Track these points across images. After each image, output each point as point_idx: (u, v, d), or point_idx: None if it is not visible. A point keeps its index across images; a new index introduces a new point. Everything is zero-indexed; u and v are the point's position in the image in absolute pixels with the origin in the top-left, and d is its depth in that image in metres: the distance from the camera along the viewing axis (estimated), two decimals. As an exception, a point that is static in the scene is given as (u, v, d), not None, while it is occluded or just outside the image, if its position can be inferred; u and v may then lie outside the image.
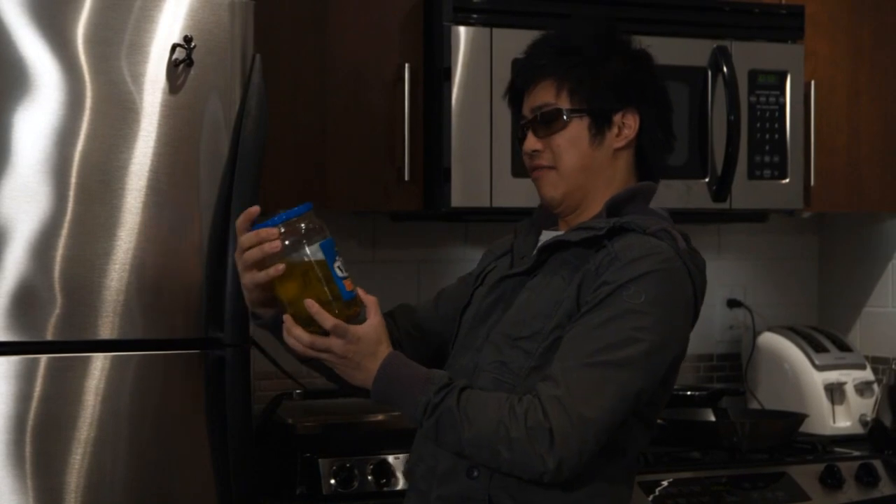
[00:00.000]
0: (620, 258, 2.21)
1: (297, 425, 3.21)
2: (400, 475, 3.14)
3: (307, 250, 2.19)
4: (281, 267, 2.18)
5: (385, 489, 3.13)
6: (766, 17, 3.67)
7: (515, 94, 2.40)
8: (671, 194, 3.44)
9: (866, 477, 3.55)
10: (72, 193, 2.60)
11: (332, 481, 3.10)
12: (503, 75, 2.41)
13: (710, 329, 4.14)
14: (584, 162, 2.32)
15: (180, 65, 2.68)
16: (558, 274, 2.28)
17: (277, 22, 3.19)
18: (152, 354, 2.68)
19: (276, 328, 2.30)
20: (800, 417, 3.69)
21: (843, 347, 3.98)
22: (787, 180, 3.68)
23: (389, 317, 2.43)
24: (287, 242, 2.19)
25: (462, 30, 3.31)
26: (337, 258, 2.20)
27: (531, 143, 2.35)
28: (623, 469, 2.28)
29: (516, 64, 2.49)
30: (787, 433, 3.64)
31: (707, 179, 3.58)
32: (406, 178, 3.31)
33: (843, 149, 3.84)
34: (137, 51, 2.65)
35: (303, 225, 2.20)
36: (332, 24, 3.28)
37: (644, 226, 2.26)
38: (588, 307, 2.20)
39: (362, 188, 3.32)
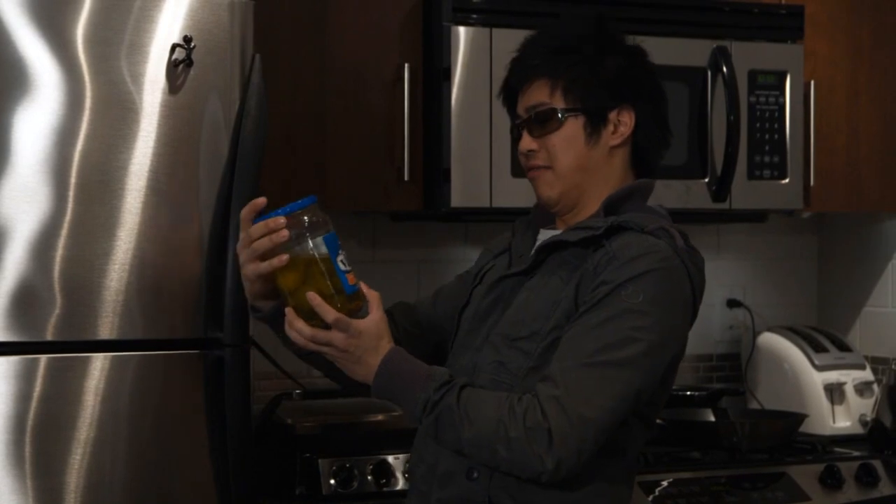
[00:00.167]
0: (618, 257, 2.21)
1: (296, 425, 3.21)
2: (400, 475, 3.13)
3: (310, 243, 2.19)
4: (285, 257, 2.18)
5: (385, 489, 3.12)
6: (765, 17, 3.66)
7: (509, 94, 2.39)
8: (671, 194, 3.44)
9: (866, 477, 3.54)
10: (71, 193, 2.60)
11: (332, 481, 3.10)
12: (503, 75, 2.40)
13: (710, 329, 4.14)
14: (580, 161, 2.31)
15: (180, 65, 2.67)
16: (556, 274, 2.27)
17: (277, 22, 3.19)
18: (152, 354, 2.67)
19: (275, 321, 2.30)
20: (799, 417, 3.68)
21: (843, 347, 3.98)
22: (787, 180, 3.68)
23: (388, 315, 2.42)
24: (291, 234, 2.19)
25: (462, 30, 3.31)
26: (340, 252, 2.20)
27: (526, 143, 2.34)
28: (623, 469, 2.28)
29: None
30: (786, 433, 3.63)
31: (707, 179, 3.58)
32: (406, 178, 3.31)
33: (842, 149, 3.84)
34: (137, 51, 2.65)
35: (306, 218, 2.20)
36: (332, 24, 3.28)
37: (642, 224, 2.25)
38: (586, 307, 2.19)
39: (362, 188, 3.32)
